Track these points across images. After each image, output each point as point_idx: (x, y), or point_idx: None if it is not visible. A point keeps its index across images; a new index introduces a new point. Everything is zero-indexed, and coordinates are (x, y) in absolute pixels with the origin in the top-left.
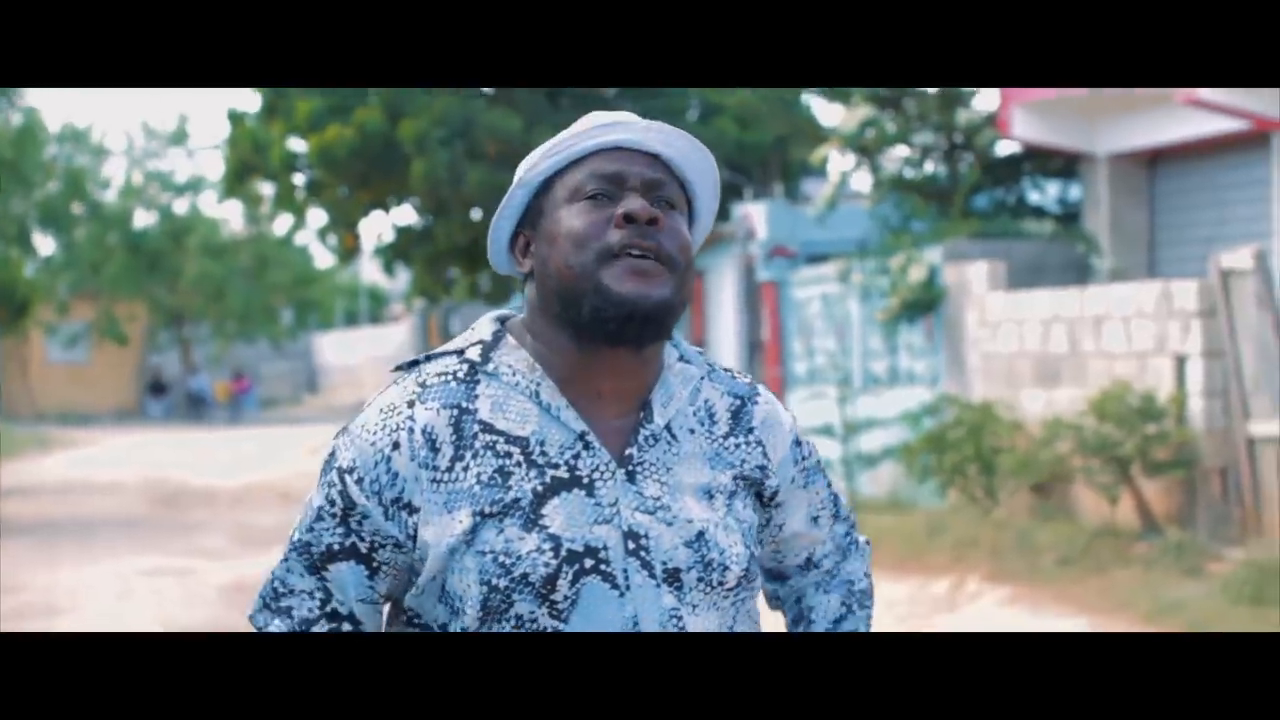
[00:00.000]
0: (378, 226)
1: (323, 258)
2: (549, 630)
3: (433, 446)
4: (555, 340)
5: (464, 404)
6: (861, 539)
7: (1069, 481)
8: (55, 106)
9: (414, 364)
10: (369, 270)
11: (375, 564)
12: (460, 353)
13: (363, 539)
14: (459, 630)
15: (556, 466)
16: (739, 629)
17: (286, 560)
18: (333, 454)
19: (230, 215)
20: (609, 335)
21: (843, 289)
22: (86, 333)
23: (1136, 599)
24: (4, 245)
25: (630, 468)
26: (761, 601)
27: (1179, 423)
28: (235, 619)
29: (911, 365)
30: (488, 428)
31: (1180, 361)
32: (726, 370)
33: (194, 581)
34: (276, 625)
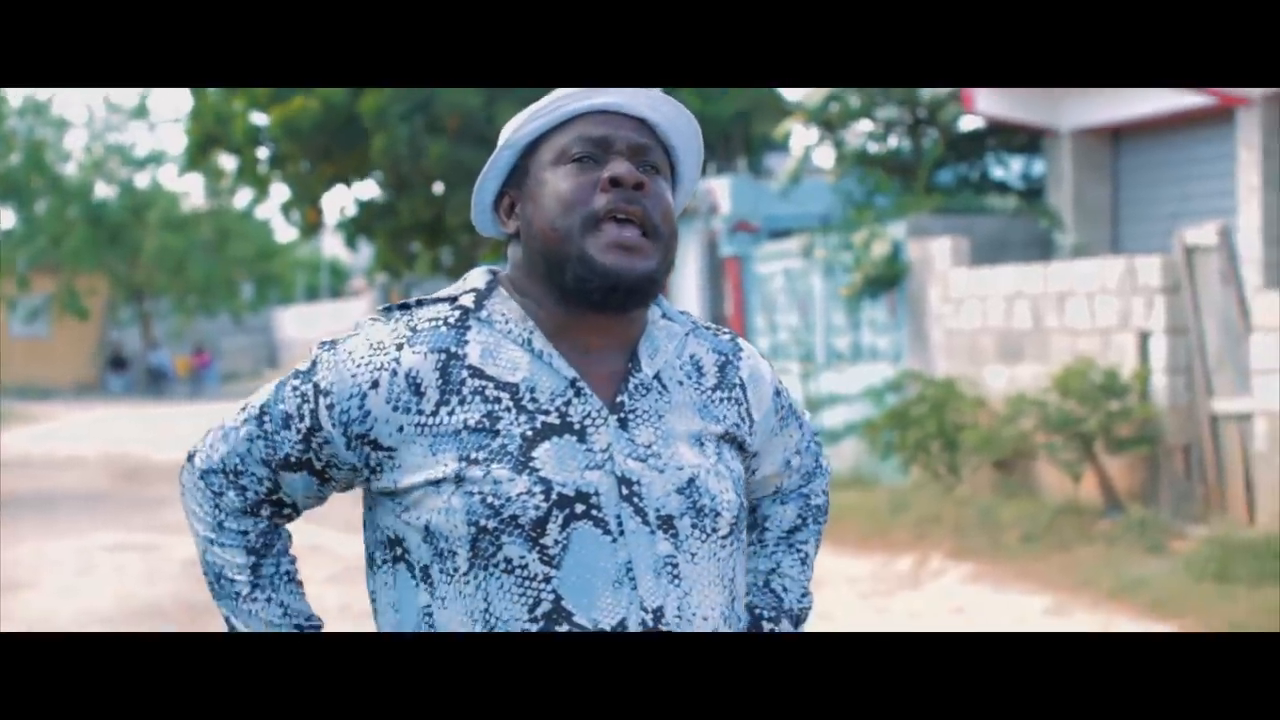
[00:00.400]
0: (340, 201)
1: (284, 231)
2: (540, 576)
3: (416, 390)
4: (542, 298)
5: (453, 349)
6: (825, 462)
7: (1032, 458)
8: None
9: (405, 306)
10: (330, 244)
11: (326, 477)
12: (453, 299)
13: (319, 459)
14: (451, 571)
15: (547, 413)
16: (738, 581)
17: (251, 442)
18: (314, 364)
19: (191, 189)
20: (593, 303)
21: (806, 264)
22: (47, 307)
23: (1099, 576)
24: None
25: (622, 415)
26: None
27: (1142, 399)
28: (198, 594)
29: (875, 341)
30: (476, 373)
31: (1144, 338)
32: (708, 327)
33: (156, 557)
34: (230, 497)
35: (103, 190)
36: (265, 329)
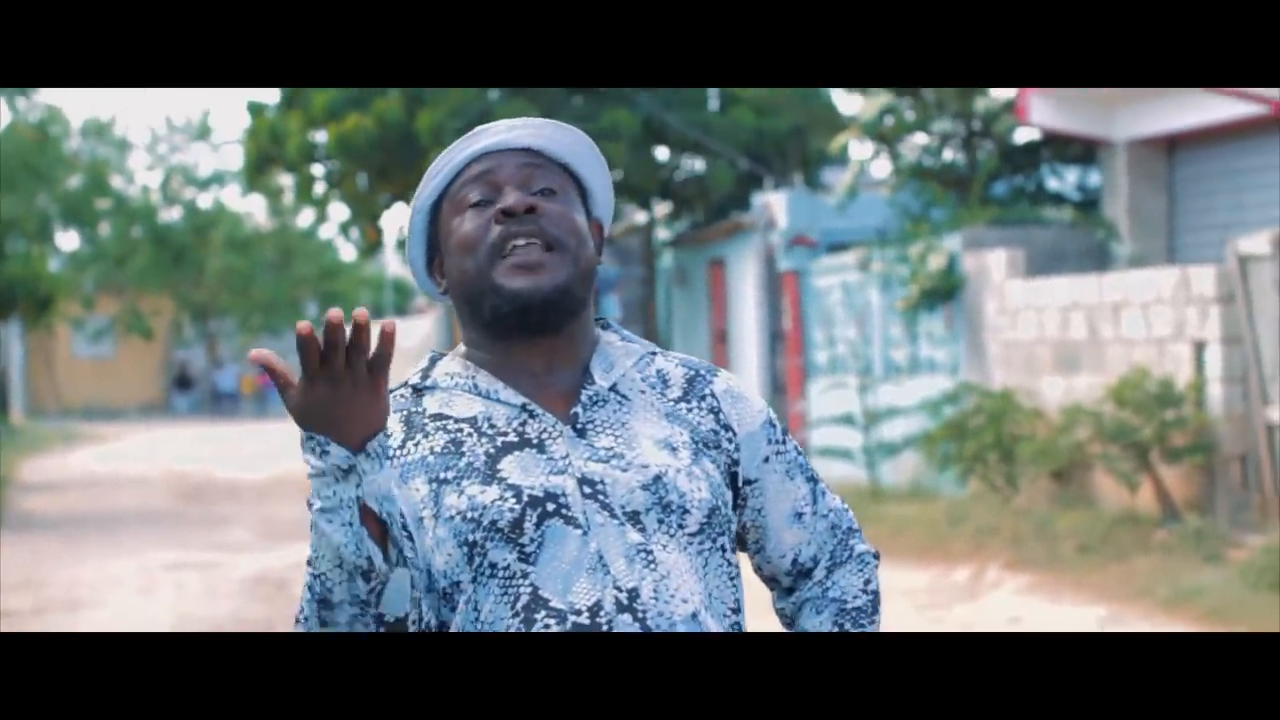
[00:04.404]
0: (399, 219)
1: (347, 250)
2: (519, 574)
3: (384, 434)
4: (481, 342)
5: (411, 409)
6: (863, 548)
7: (1089, 468)
8: (77, 100)
9: None
10: (394, 263)
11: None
12: (404, 384)
13: None
14: (464, 600)
15: (505, 434)
16: (717, 581)
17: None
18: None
19: (255, 209)
20: (515, 328)
21: (863, 278)
22: (112, 327)
23: (1155, 586)
24: (26, 241)
25: (579, 425)
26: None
27: (1198, 409)
28: (256, 612)
29: (932, 353)
30: (436, 417)
31: (1199, 347)
32: (683, 356)
33: (216, 575)
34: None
35: (167, 211)
36: None
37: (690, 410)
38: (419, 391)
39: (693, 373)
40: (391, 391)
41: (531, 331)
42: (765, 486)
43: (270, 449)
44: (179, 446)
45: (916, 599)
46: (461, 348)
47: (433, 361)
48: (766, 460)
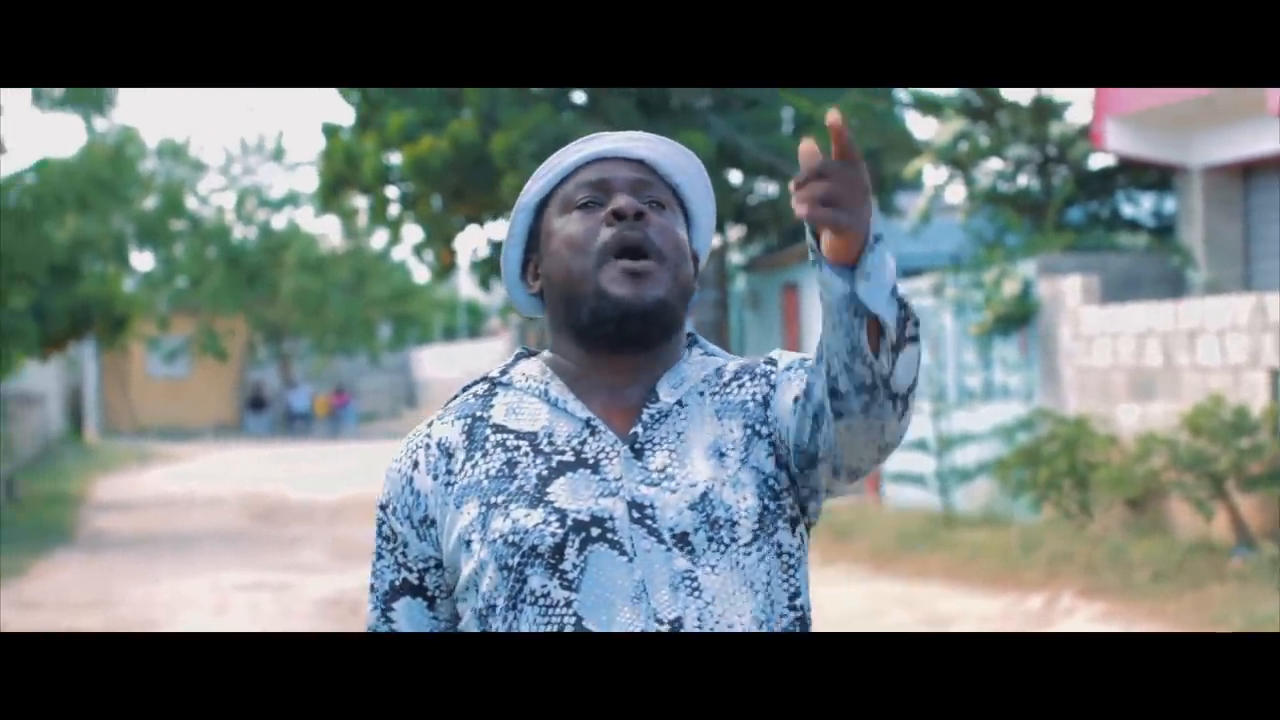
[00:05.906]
0: (474, 241)
1: (421, 272)
2: (562, 602)
3: (448, 455)
4: (568, 349)
5: (478, 413)
6: None
7: (1163, 496)
8: (152, 121)
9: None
10: (467, 285)
11: (429, 594)
12: (485, 377)
13: (411, 570)
14: (500, 625)
15: (563, 453)
16: (774, 585)
17: (371, 607)
18: (381, 497)
19: (329, 230)
20: (610, 337)
21: (937, 303)
22: (186, 347)
23: (1231, 615)
24: (102, 261)
25: (637, 445)
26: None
27: (1274, 436)
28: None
29: (1006, 379)
30: (499, 429)
31: (1275, 375)
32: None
33: (290, 596)
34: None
35: (240, 232)
36: (403, 369)
37: (740, 388)
38: (494, 387)
39: (750, 362)
40: (471, 386)
41: (625, 342)
42: (778, 384)
43: (343, 470)
44: (252, 467)
45: (990, 626)
46: (546, 352)
47: (517, 358)
48: (789, 368)
